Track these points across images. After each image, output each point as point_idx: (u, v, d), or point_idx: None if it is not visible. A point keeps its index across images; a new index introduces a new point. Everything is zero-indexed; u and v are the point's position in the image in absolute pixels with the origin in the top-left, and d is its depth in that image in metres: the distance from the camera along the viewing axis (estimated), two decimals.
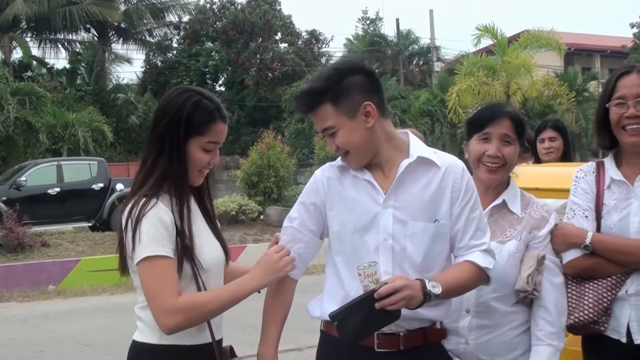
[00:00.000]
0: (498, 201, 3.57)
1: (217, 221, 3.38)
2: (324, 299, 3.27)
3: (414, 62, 53.31)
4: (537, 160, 6.29)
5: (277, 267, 3.17)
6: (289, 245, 3.27)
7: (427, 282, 2.95)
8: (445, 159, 3.20)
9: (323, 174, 3.28)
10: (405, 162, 3.12)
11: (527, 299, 3.43)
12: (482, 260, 3.14)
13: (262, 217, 23.01)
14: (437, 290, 2.95)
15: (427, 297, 2.93)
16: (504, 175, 3.56)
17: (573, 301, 3.51)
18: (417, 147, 3.21)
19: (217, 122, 3.15)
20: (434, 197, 3.13)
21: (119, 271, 3.20)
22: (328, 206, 3.24)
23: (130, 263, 3.06)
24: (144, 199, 3.02)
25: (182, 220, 3.07)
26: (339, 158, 3.24)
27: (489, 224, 3.51)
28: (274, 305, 3.27)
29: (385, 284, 2.86)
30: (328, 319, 3.06)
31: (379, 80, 3.23)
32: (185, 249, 3.03)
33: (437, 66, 45.83)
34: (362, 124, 3.09)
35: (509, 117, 3.51)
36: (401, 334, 3.10)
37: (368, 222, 3.12)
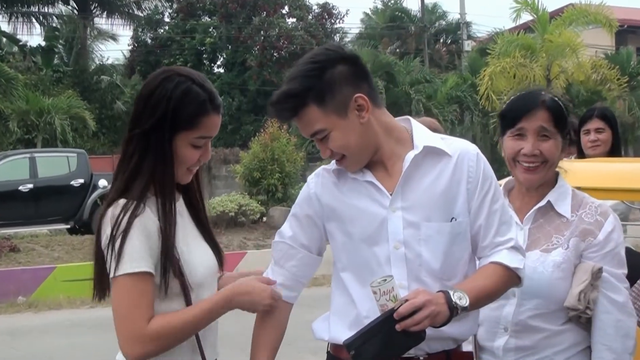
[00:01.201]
0: (542, 203, 3.52)
1: (208, 221, 3.35)
2: (331, 319, 3.23)
3: (441, 40, 53.22)
4: (581, 155, 6.24)
5: (260, 301, 3.14)
6: (280, 263, 3.28)
7: (451, 293, 2.89)
8: (456, 146, 3.14)
9: (317, 181, 3.26)
10: (410, 155, 3.07)
11: (583, 318, 3.38)
12: (511, 260, 3.08)
13: (264, 219, 23.03)
14: (464, 302, 2.89)
15: (453, 312, 2.87)
16: (545, 173, 3.49)
17: None
18: (422, 135, 3.16)
19: (209, 114, 3.09)
20: (448, 191, 3.07)
21: (94, 293, 3.15)
22: (326, 218, 3.21)
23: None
24: (132, 204, 2.97)
25: (170, 230, 3.03)
26: (334, 160, 3.19)
27: (531, 230, 3.49)
28: (264, 333, 3.25)
29: (406, 300, 2.80)
30: (337, 342, 3.06)
31: (365, 66, 3.15)
32: (172, 264, 3.00)
33: (468, 45, 45.72)
34: (356, 120, 3.03)
35: (545, 107, 3.44)
36: (421, 358, 3.06)
37: (375, 229, 3.07)
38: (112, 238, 2.92)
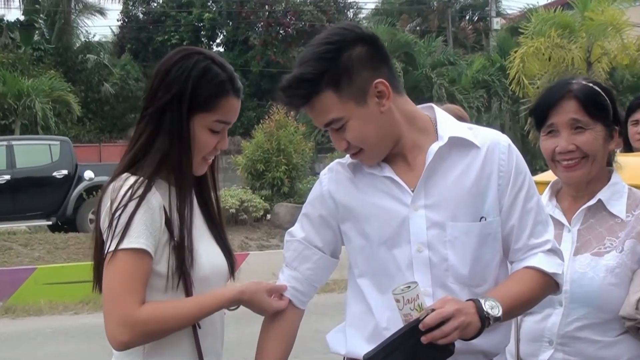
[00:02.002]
0: (592, 201, 3.49)
1: (223, 221, 3.39)
2: (348, 330, 3.21)
3: (467, 17, 53.20)
4: (628, 148, 6.17)
5: (263, 300, 3.18)
6: (293, 265, 3.25)
7: (482, 302, 2.84)
8: (485, 136, 3.10)
9: (331, 177, 3.23)
10: (434, 147, 3.03)
11: None
12: (548, 265, 3.04)
13: (268, 216, 23.02)
14: (497, 311, 2.84)
15: (485, 323, 2.82)
16: (589, 169, 3.45)
17: None
18: (447, 125, 3.12)
19: (229, 96, 3.15)
20: (476, 187, 3.03)
21: (93, 284, 3.19)
22: (341, 218, 3.18)
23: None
24: (138, 179, 3.02)
25: (183, 222, 3.08)
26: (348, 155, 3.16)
27: (580, 232, 3.48)
28: (271, 343, 3.23)
29: (433, 310, 2.76)
30: (355, 356, 3.03)
31: (385, 47, 3.12)
32: (180, 261, 3.05)
33: (497, 23, 45.72)
34: (376, 108, 2.99)
35: (573, 97, 3.41)
36: None
37: (395, 230, 3.04)
38: (112, 211, 2.96)
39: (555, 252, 3.10)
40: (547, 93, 3.54)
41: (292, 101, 3.08)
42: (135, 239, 2.94)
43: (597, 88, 3.47)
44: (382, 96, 2.99)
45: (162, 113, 3.09)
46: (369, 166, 3.11)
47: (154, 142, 3.10)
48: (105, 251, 2.98)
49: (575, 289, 3.32)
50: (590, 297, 3.30)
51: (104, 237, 3.00)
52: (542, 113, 3.48)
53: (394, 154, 3.10)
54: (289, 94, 3.02)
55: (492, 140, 3.08)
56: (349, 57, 2.96)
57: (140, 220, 2.96)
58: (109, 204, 2.99)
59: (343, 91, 2.96)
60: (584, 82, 3.48)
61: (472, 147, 3.06)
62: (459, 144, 3.05)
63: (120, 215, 2.95)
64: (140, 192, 2.99)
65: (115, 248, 2.93)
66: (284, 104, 3.14)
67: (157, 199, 3.04)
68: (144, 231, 2.97)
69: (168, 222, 3.05)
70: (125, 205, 2.96)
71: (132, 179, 3.02)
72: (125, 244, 2.93)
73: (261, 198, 22.98)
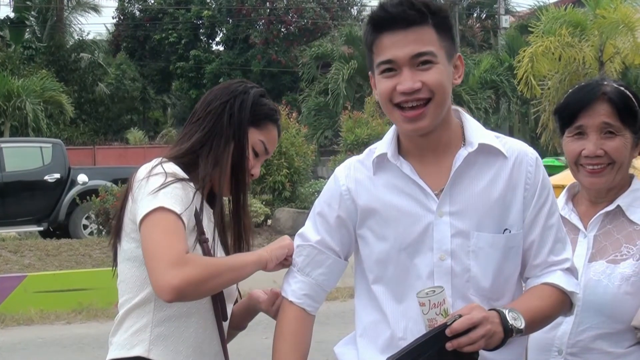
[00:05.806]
0: (611, 207, 3.50)
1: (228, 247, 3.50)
2: (359, 341, 3.19)
3: (474, 15, 53.18)
4: None
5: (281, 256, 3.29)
6: (306, 271, 3.22)
7: (506, 312, 2.85)
8: (513, 146, 3.11)
9: (349, 175, 3.20)
10: (462, 152, 3.03)
11: None
12: (567, 283, 3.07)
13: (269, 222, 22.98)
14: (520, 323, 2.87)
15: (507, 334, 2.84)
16: (614, 176, 3.46)
17: None
18: (476, 131, 3.12)
19: (274, 126, 3.48)
20: (503, 198, 3.04)
21: (113, 263, 3.40)
22: (360, 220, 3.16)
23: (121, 245, 3.26)
24: (180, 179, 3.20)
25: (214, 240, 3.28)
26: (367, 150, 3.18)
27: (597, 238, 3.48)
28: (287, 349, 3.19)
29: (460, 316, 2.76)
30: None
31: None
32: (205, 252, 3.19)
33: (505, 21, 45.69)
34: (451, 76, 3.05)
35: (607, 100, 3.40)
36: None
37: (417, 236, 3.03)
38: (155, 180, 3.14)
39: (572, 271, 3.13)
40: (577, 93, 3.52)
41: (405, 14, 2.95)
42: (175, 206, 3.08)
43: (628, 92, 3.47)
44: (458, 70, 3.09)
45: (219, 116, 3.33)
46: (422, 131, 3.02)
47: (204, 143, 3.32)
48: (144, 212, 3.08)
49: (589, 297, 3.32)
50: (604, 305, 3.30)
51: (139, 203, 3.13)
52: (570, 113, 3.48)
53: (425, 148, 3.08)
54: (392, 10, 2.96)
55: (519, 151, 3.10)
56: (444, 16, 3.06)
57: (179, 194, 3.12)
58: (143, 174, 3.17)
59: (442, 39, 3.01)
60: (615, 85, 3.47)
61: (500, 156, 3.07)
62: (487, 152, 3.07)
63: (162, 185, 3.10)
64: (180, 173, 3.19)
65: (155, 207, 3.06)
66: (379, 20, 2.99)
67: (193, 188, 3.22)
68: (182, 203, 3.10)
69: (196, 213, 3.20)
70: (169, 181, 3.13)
71: (172, 164, 3.23)
72: (166, 205, 3.06)
73: (262, 203, 22.90)
